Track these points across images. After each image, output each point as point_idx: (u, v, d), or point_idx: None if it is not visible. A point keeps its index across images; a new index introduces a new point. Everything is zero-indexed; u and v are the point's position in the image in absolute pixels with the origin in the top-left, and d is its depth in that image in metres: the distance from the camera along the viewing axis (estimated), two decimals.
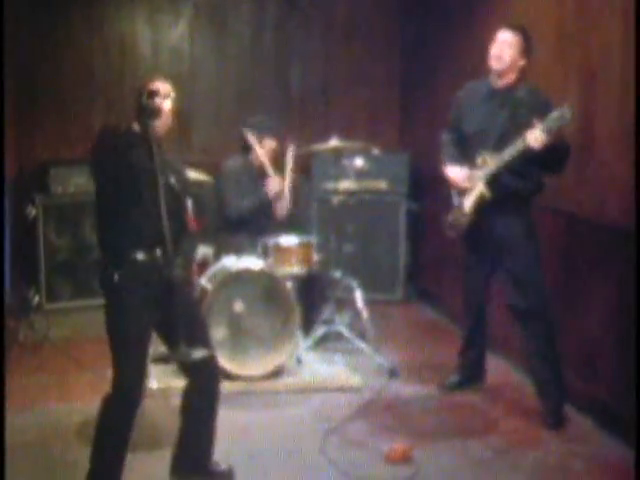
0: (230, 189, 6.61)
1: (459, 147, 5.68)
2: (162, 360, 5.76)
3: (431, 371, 6.44)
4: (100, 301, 4.25)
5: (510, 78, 5.35)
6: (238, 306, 6.00)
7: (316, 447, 5.02)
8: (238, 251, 6.31)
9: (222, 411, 5.43)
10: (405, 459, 4.83)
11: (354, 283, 6.89)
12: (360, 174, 6.92)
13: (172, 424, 5.02)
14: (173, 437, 4.64)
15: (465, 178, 5.52)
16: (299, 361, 6.30)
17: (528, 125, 4.99)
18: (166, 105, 4.33)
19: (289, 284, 6.16)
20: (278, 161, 6.86)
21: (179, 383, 5.70)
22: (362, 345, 6.59)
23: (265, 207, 6.79)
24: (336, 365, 6.44)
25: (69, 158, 8.27)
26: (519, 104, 5.25)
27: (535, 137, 4.96)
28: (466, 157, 5.55)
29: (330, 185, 6.98)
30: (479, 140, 5.40)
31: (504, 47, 5.32)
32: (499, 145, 5.24)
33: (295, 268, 6.47)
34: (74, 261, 7.95)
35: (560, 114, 4.92)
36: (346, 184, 6.79)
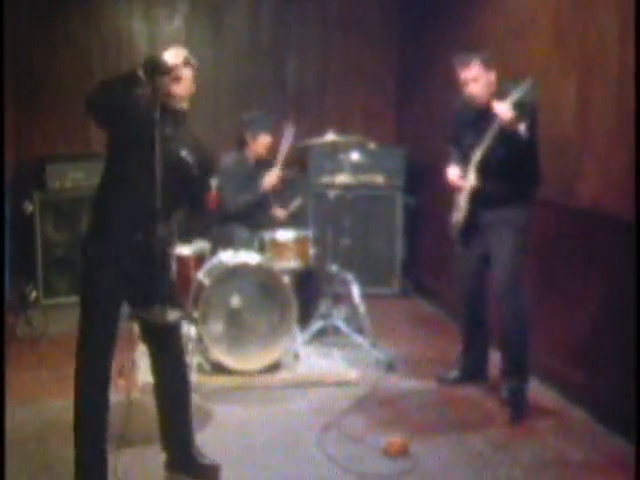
0: (226, 184, 6.60)
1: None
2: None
3: (428, 365, 6.45)
4: None
5: (490, 94, 5.38)
6: (235, 301, 5.99)
7: (314, 441, 5.03)
8: (235, 246, 6.31)
9: (219, 406, 5.49)
10: (403, 453, 4.83)
11: (351, 277, 6.88)
12: (356, 168, 6.93)
13: None
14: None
15: (459, 176, 5.61)
16: (296, 356, 6.30)
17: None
18: (186, 72, 4.32)
19: (286, 278, 6.16)
20: (273, 154, 6.88)
21: None
22: (359, 339, 6.60)
23: (262, 202, 6.81)
24: (333, 359, 6.45)
25: (66, 154, 8.28)
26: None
27: (502, 109, 5.03)
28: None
29: (326, 179, 6.96)
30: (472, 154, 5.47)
31: (472, 86, 5.39)
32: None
33: (292, 262, 6.48)
34: (71, 256, 7.94)
35: (524, 86, 5.02)
36: (342, 178, 6.78)
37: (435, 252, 8.35)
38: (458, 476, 4.65)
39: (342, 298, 6.93)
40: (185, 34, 8.70)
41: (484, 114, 5.31)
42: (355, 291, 6.84)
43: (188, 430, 4.52)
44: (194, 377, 5.76)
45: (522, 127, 5.03)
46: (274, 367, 6.08)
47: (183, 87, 4.32)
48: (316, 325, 6.66)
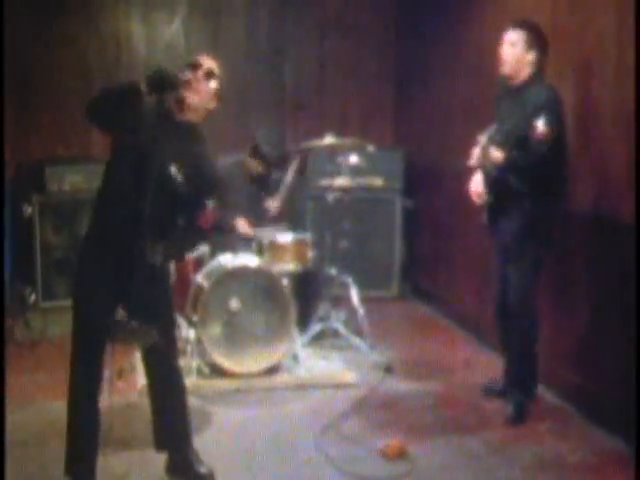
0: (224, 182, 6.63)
1: None
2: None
3: (427, 367, 6.46)
4: None
5: (522, 76, 5.26)
6: (234, 303, 6.00)
7: (312, 443, 5.03)
8: (234, 248, 6.32)
9: (219, 408, 5.50)
10: (401, 455, 4.84)
11: (349, 280, 6.89)
12: (355, 171, 6.93)
13: None
14: None
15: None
16: (295, 358, 6.31)
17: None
18: (205, 84, 4.30)
19: (285, 281, 6.17)
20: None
21: None
22: (358, 342, 6.62)
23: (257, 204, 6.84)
24: (332, 362, 6.46)
25: (65, 156, 8.30)
26: (527, 104, 5.12)
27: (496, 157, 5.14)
28: None
29: (325, 182, 6.97)
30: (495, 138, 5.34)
31: (507, 48, 5.28)
32: (506, 142, 5.19)
33: (291, 265, 6.48)
34: (70, 259, 7.93)
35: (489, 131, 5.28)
36: (341, 181, 6.80)
37: (434, 255, 8.37)
38: (456, 478, 4.66)
39: (341, 301, 6.94)
40: (183, 37, 8.71)
41: (511, 94, 5.31)
42: (354, 294, 6.85)
43: (183, 434, 4.49)
44: (194, 380, 5.78)
45: (539, 123, 4.91)
46: (273, 370, 6.09)
47: (198, 98, 4.26)
48: (315, 328, 6.68)
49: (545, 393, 5.73)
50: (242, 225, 6.75)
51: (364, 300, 6.88)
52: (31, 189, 7.97)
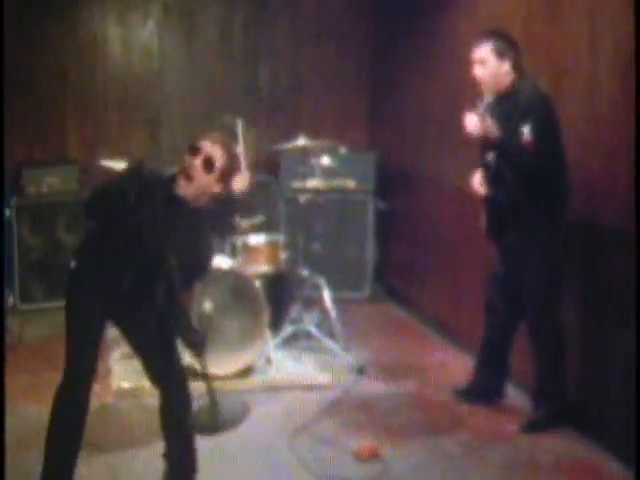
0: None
1: None
2: None
3: (400, 369, 6.48)
4: None
5: (504, 86, 5.14)
6: (207, 305, 5.98)
7: (285, 445, 5.04)
8: None
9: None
10: (374, 456, 4.86)
11: (322, 282, 6.89)
12: (328, 173, 6.93)
13: (143, 423, 5.05)
14: (144, 436, 4.65)
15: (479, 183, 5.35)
16: (268, 360, 6.31)
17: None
18: (206, 176, 4.02)
19: (258, 283, 6.17)
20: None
21: (149, 383, 5.74)
22: (330, 343, 6.62)
23: (232, 204, 6.81)
24: (305, 364, 6.46)
25: (42, 158, 8.26)
26: (515, 110, 5.03)
27: (470, 123, 5.04)
28: None
29: (298, 184, 6.98)
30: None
31: (478, 69, 5.17)
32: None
33: (263, 267, 6.49)
34: (48, 261, 7.93)
35: None
36: (314, 183, 6.80)
37: (406, 257, 8.39)
38: (429, 479, 4.69)
39: (313, 302, 6.94)
40: (157, 38, 8.70)
41: (497, 104, 5.13)
42: (326, 296, 6.84)
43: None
44: None
45: (525, 129, 4.85)
46: (246, 372, 6.09)
47: (194, 189, 4.05)
48: (288, 330, 6.68)
49: (520, 395, 5.75)
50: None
51: (337, 302, 6.89)
52: (9, 191, 7.93)
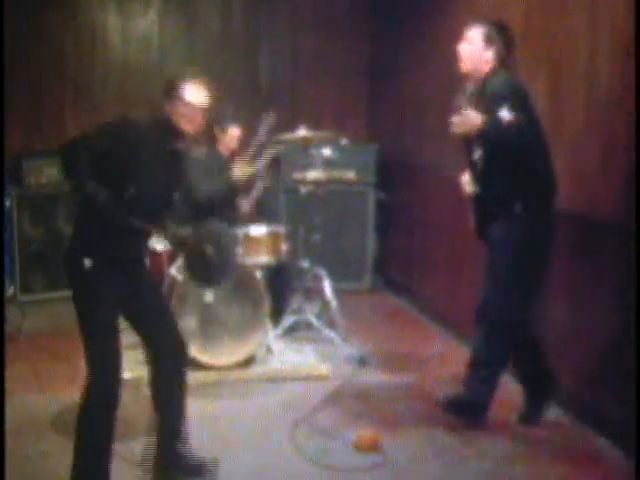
0: (198, 176, 6.63)
1: None
2: None
3: (400, 360, 6.51)
4: None
5: (481, 73, 5.04)
6: (208, 296, 6.01)
7: (286, 435, 5.07)
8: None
9: (193, 401, 5.45)
10: (374, 447, 4.88)
11: (322, 272, 6.91)
12: (328, 164, 6.94)
13: (144, 414, 5.05)
14: (145, 427, 4.66)
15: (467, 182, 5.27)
16: (269, 350, 6.34)
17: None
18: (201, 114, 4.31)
19: (258, 274, 6.19)
20: (243, 147, 6.89)
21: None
22: (331, 334, 6.64)
23: (233, 195, 6.83)
24: (305, 354, 6.49)
25: (42, 149, 8.26)
26: (486, 97, 4.94)
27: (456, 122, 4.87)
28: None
29: (298, 175, 6.98)
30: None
31: (464, 46, 5.12)
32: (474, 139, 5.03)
33: (264, 258, 6.50)
34: (48, 252, 7.95)
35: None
36: (314, 174, 6.81)
37: (406, 248, 8.40)
38: (428, 470, 4.70)
39: (314, 293, 6.96)
40: (158, 29, 8.71)
41: (473, 93, 5.06)
42: (327, 286, 6.87)
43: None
44: None
45: (502, 112, 4.70)
46: (247, 362, 6.11)
47: (193, 127, 4.34)
48: (288, 320, 6.70)
49: (517, 386, 5.75)
50: (244, 204, 6.85)
51: (337, 292, 6.91)
52: (8, 182, 7.94)
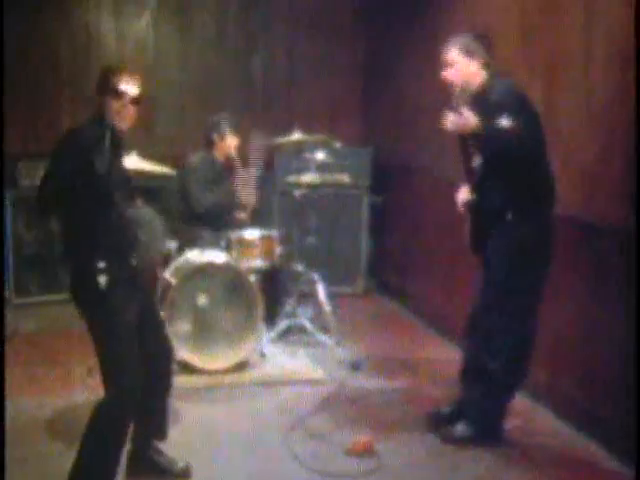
0: (196, 183, 6.63)
1: None
2: None
3: (394, 364, 6.49)
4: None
5: (476, 84, 4.95)
6: (202, 300, 6.00)
7: (279, 440, 5.04)
8: (202, 245, 6.32)
9: (186, 405, 5.49)
10: (368, 451, 4.86)
11: (316, 276, 6.90)
12: (322, 167, 6.94)
13: None
14: None
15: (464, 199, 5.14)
16: (263, 354, 6.33)
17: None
18: (134, 109, 4.25)
19: (252, 277, 6.18)
20: (241, 156, 6.90)
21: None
22: (325, 338, 6.64)
23: (230, 202, 6.84)
24: (299, 358, 6.47)
25: (37, 151, 8.23)
26: (486, 105, 4.80)
27: (451, 121, 4.76)
28: None
29: (292, 178, 6.98)
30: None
31: (447, 70, 5.03)
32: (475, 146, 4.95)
33: (258, 261, 6.50)
34: (43, 255, 7.93)
35: None
36: (308, 177, 6.81)
37: (400, 252, 8.40)
38: (422, 475, 4.70)
39: (308, 297, 6.96)
40: (152, 31, 8.68)
41: (477, 103, 4.89)
42: (321, 290, 6.86)
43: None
44: None
45: (503, 121, 4.61)
46: (241, 366, 6.10)
47: (128, 124, 4.28)
48: (282, 324, 6.69)
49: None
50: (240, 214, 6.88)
51: (331, 296, 6.90)
52: (3, 184, 7.91)
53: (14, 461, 4.59)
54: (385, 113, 8.80)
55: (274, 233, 6.67)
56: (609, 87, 4.93)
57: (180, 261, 6.21)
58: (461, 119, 4.70)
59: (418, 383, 6.09)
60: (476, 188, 5.02)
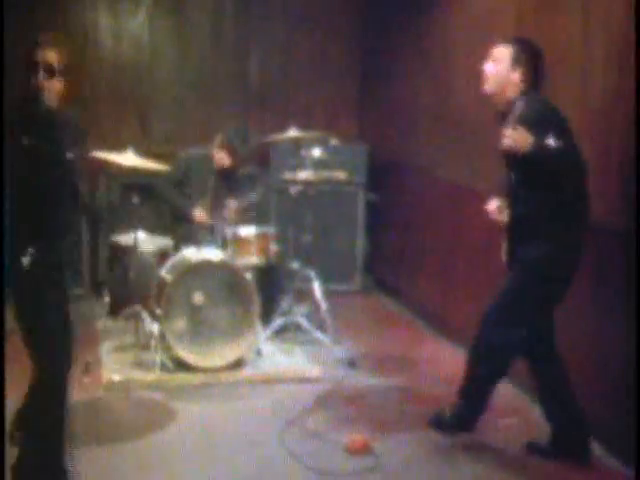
0: (191, 174, 6.67)
1: None
2: None
3: (391, 362, 6.48)
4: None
5: (506, 96, 4.72)
6: (198, 297, 5.98)
7: (276, 438, 5.02)
8: (198, 242, 6.30)
9: (182, 403, 5.47)
10: (365, 450, 4.85)
11: (312, 274, 6.87)
12: (318, 164, 6.91)
13: (132, 417, 5.04)
14: (134, 430, 4.63)
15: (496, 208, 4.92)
16: (259, 352, 6.30)
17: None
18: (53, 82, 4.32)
19: (248, 275, 6.15)
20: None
21: (139, 375, 5.74)
22: (321, 336, 6.61)
23: (182, 204, 6.85)
24: (296, 356, 6.45)
25: None
26: (517, 120, 4.55)
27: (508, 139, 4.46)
28: None
29: (288, 175, 6.95)
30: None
31: (489, 65, 4.79)
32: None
33: (254, 259, 6.47)
34: None
35: None
36: (304, 174, 6.78)
37: (397, 249, 8.38)
38: (420, 473, 4.68)
39: (304, 295, 6.92)
40: (148, 29, 8.66)
41: (501, 117, 4.74)
42: (317, 288, 6.83)
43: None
44: (157, 374, 5.75)
45: (549, 140, 4.40)
46: (237, 364, 6.06)
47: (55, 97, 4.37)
48: (278, 322, 6.67)
49: (510, 390, 5.73)
50: (199, 214, 6.71)
51: (327, 294, 6.86)
52: (3, 184, 7.86)
53: (12, 458, 4.59)
54: (381, 111, 8.79)
55: (270, 230, 6.65)
56: (608, 87, 4.91)
57: (176, 258, 6.19)
58: (519, 138, 4.43)
59: (415, 381, 6.08)
60: (513, 202, 4.79)
